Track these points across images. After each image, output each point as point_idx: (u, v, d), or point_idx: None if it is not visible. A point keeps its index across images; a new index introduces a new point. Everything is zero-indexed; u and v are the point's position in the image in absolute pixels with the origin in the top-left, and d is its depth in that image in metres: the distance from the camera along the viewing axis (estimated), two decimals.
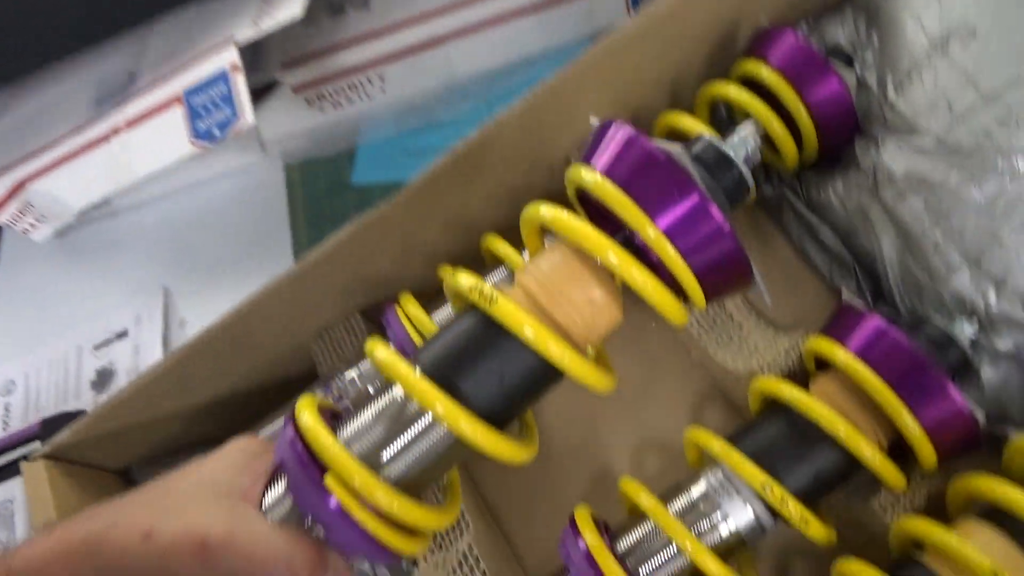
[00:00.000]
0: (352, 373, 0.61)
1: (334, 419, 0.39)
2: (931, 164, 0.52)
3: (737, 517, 0.48)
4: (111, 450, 0.64)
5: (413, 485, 0.37)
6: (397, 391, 0.38)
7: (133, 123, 0.73)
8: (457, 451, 0.37)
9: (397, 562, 0.39)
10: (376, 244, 0.61)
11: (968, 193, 0.50)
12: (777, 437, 0.49)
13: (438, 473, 0.39)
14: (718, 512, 0.48)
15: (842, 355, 0.47)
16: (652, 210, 0.37)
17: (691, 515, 0.48)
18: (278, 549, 0.35)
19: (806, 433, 0.48)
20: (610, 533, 0.50)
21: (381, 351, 0.38)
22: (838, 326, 0.50)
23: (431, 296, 0.62)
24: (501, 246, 0.59)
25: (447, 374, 0.36)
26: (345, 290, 0.63)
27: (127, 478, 0.66)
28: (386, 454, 0.37)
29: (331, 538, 0.37)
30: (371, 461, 0.36)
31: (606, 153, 0.40)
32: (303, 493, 0.36)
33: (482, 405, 0.36)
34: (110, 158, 0.74)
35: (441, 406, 0.35)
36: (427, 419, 0.37)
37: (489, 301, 0.36)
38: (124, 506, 0.36)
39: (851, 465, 0.48)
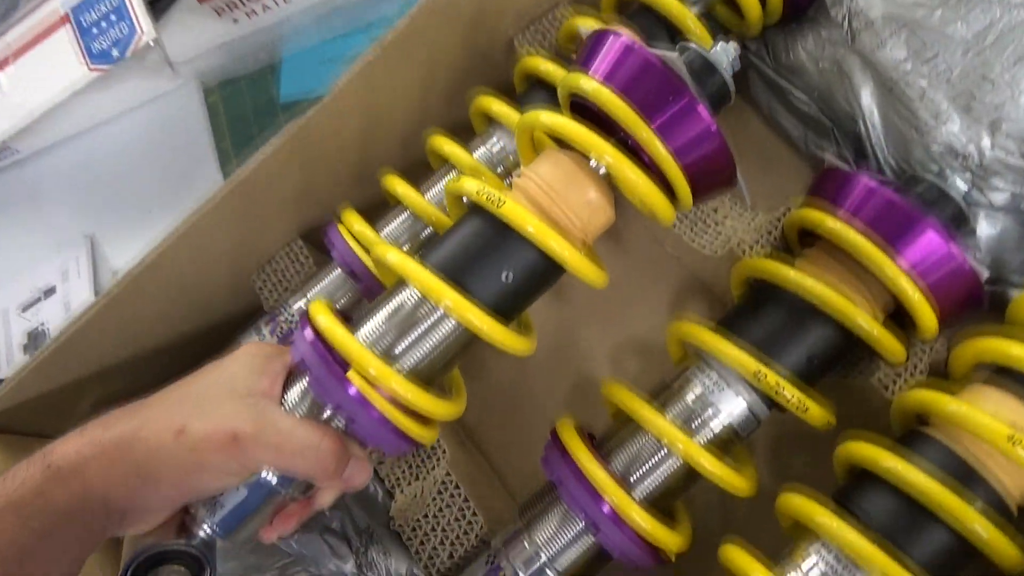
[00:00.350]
0: (301, 302, 0.55)
1: (346, 320, 0.42)
2: (912, 1, 0.46)
3: (730, 410, 0.44)
4: (51, 415, 0.59)
5: (425, 377, 0.41)
6: (408, 290, 0.41)
7: (19, 53, 0.64)
8: (465, 343, 0.41)
9: (413, 448, 0.42)
10: (308, 157, 0.54)
11: (955, 29, 0.45)
12: (766, 321, 0.45)
13: (447, 366, 0.42)
14: (709, 408, 0.44)
15: (830, 222, 0.43)
16: (646, 112, 0.39)
17: (681, 413, 0.45)
18: (305, 439, 0.38)
19: (797, 312, 0.44)
20: (596, 442, 0.47)
21: (392, 254, 0.41)
22: (822, 192, 0.46)
23: (374, 212, 0.56)
24: (448, 146, 0.53)
25: (454, 273, 0.39)
26: (281, 212, 0.57)
27: None
28: (399, 348, 0.40)
29: (353, 428, 0.40)
30: (386, 355, 0.40)
31: (604, 61, 0.41)
32: (326, 387, 0.39)
33: (488, 300, 0.39)
34: (1, 97, 0.66)
35: (451, 299, 0.39)
36: (437, 314, 0.40)
37: (496, 204, 0.39)
38: (151, 408, 0.38)
39: (847, 342, 0.44)
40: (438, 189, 0.55)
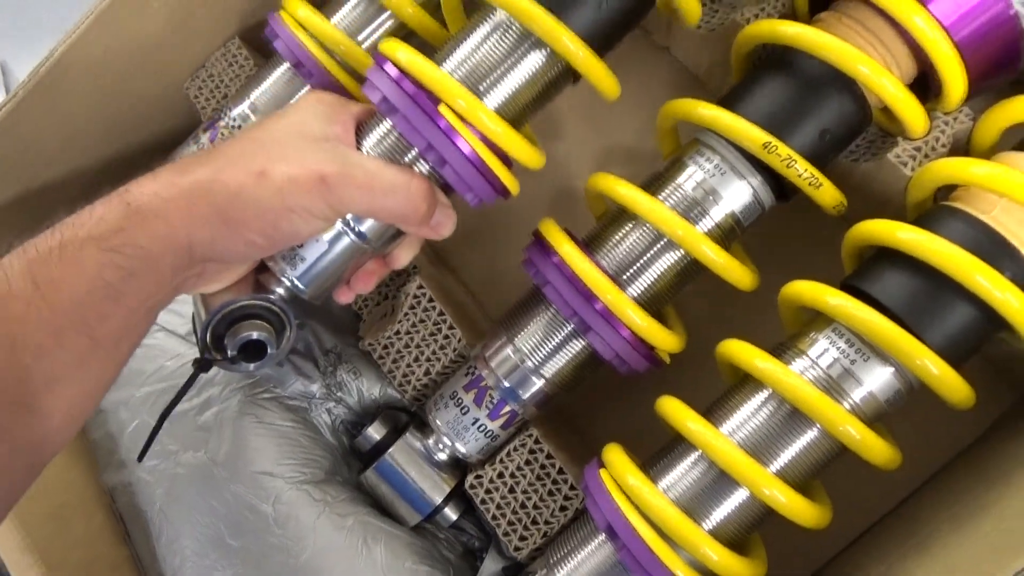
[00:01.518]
0: (242, 107, 0.48)
1: None
2: None
3: (732, 197, 0.40)
4: None
5: (510, 118, 0.38)
6: (498, 14, 0.38)
7: None
8: (556, 76, 0.39)
9: (502, 196, 0.40)
10: None
11: None
12: (772, 93, 0.40)
13: (533, 104, 0.39)
14: (710, 196, 0.40)
15: None
16: None
17: (679, 203, 0.40)
18: (394, 178, 0.37)
19: (808, 80, 0.39)
20: (581, 243, 0.42)
21: None
22: None
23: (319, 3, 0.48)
24: None
25: (548, 3, 0.36)
26: (212, 9, 0.49)
27: None
28: (484, 84, 0.38)
29: (441, 171, 0.38)
30: (473, 92, 0.37)
31: None
32: (416, 124, 0.37)
33: (583, 31, 0.37)
34: None
35: (546, 23, 0.36)
36: (531, 40, 0.37)
37: None
38: (224, 154, 0.35)
39: (863, 113, 0.39)
40: None
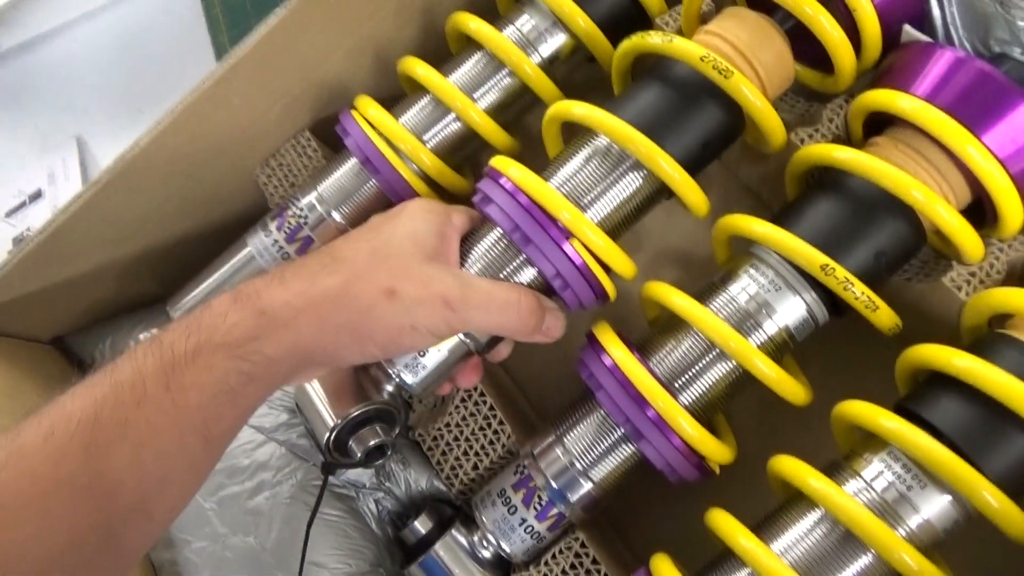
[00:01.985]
0: (309, 198, 0.51)
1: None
2: None
3: (785, 312, 0.40)
4: (37, 316, 0.55)
5: (608, 228, 0.42)
6: (600, 141, 0.42)
7: None
8: (653, 192, 0.42)
9: (602, 301, 0.43)
10: (315, 34, 0.49)
11: None
12: (827, 214, 0.41)
13: (632, 217, 0.43)
14: (764, 309, 0.40)
15: (905, 101, 0.39)
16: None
17: (732, 315, 0.41)
18: (507, 297, 0.39)
19: (863, 203, 0.40)
20: (634, 348, 0.43)
21: (580, 107, 0.42)
22: (894, 72, 0.41)
23: (388, 104, 0.51)
24: (475, 24, 0.48)
25: (647, 128, 0.40)
26: (286, 101, 0.52)
27: (62, 347, 0.57)
28: (587, 199, 0.41)
29: (554, 283, 0.41)
30: (579, 203, 0.41)
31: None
32: (542, 247, 0.40)
33: (678, 156, 0.40)
34: None
35: (645, 148, 0.39)
36: (629, 163, 0.41)
37: (724, 74, 0.39)
38: (351, 265, 0.37)
39: (917, 236, 0.40)
40: (459, 74, 0.50)
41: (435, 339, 0.39)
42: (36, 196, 0.72)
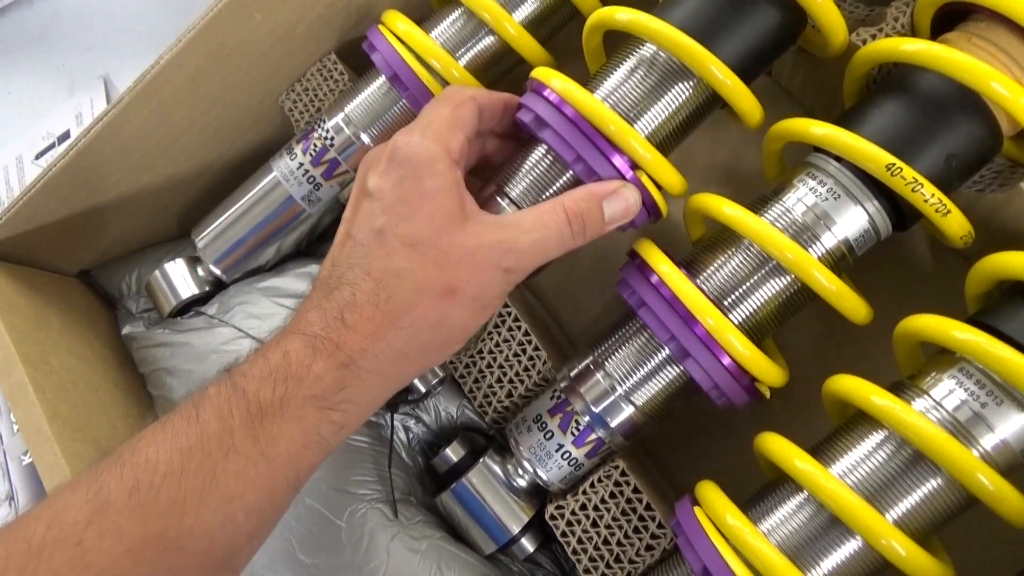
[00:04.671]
0: (336, 119, 0.48)
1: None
2: None
3: (846, 222, 0.37)
4: (62, 248, 0.54)
5: (657, 142, 0.39)
6: (645, 49, 0.39)
7: None
8: (703, 103, 0.39)
9: (655, 218, 0.40)
10: None
11: None
12: (893, 113, 0.37)
13: (682, 129, 0.40)
14: (822, 221, 0.37)
15: None
16: None
17: (785, 226, 0.38)
18: (557, 225, 0.36)
19: (933, 101, 0.36)
20: (681, 265, 0.40)
21: (624, 12, 0.39)
22: None
23: (417, 23, 0.48)
24: None
25: (696, 33, 0.37)
26: (310, 15, 0.50)
27: (88, 282, 0.56)
28: (635, 112, 0.38)
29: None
30: (626, 116, 0.38)
31: None
32: (579, 148, 0.37)
33: (730, 62, 0.37)
34: None
35: (694, 53, 0.36)
36: (677, 70, 0.38)
37: None
38: (398, 284, 0.34)
39: (993, 139, 0.37)
40: None
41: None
42: (64, 137, 0.71)
